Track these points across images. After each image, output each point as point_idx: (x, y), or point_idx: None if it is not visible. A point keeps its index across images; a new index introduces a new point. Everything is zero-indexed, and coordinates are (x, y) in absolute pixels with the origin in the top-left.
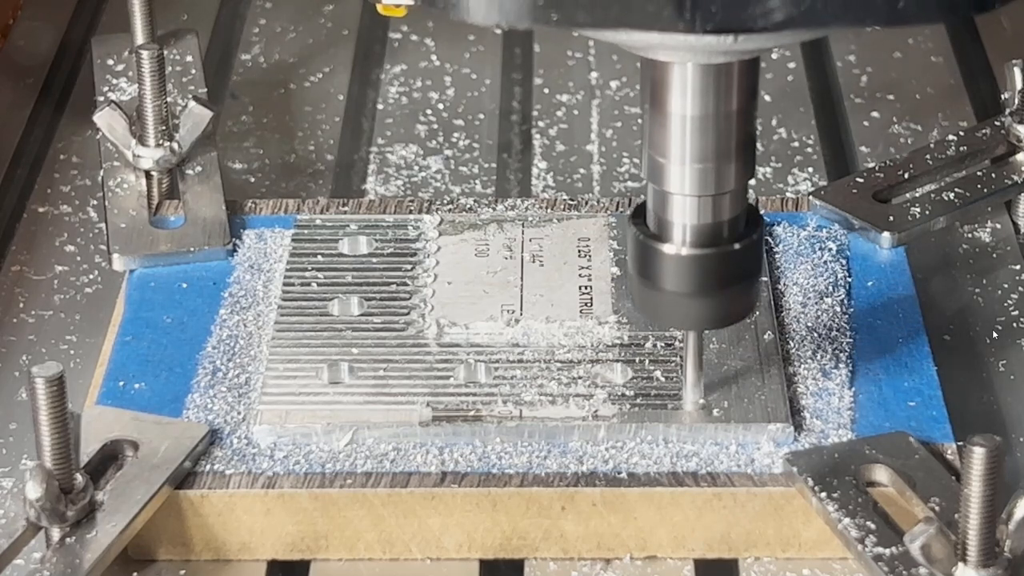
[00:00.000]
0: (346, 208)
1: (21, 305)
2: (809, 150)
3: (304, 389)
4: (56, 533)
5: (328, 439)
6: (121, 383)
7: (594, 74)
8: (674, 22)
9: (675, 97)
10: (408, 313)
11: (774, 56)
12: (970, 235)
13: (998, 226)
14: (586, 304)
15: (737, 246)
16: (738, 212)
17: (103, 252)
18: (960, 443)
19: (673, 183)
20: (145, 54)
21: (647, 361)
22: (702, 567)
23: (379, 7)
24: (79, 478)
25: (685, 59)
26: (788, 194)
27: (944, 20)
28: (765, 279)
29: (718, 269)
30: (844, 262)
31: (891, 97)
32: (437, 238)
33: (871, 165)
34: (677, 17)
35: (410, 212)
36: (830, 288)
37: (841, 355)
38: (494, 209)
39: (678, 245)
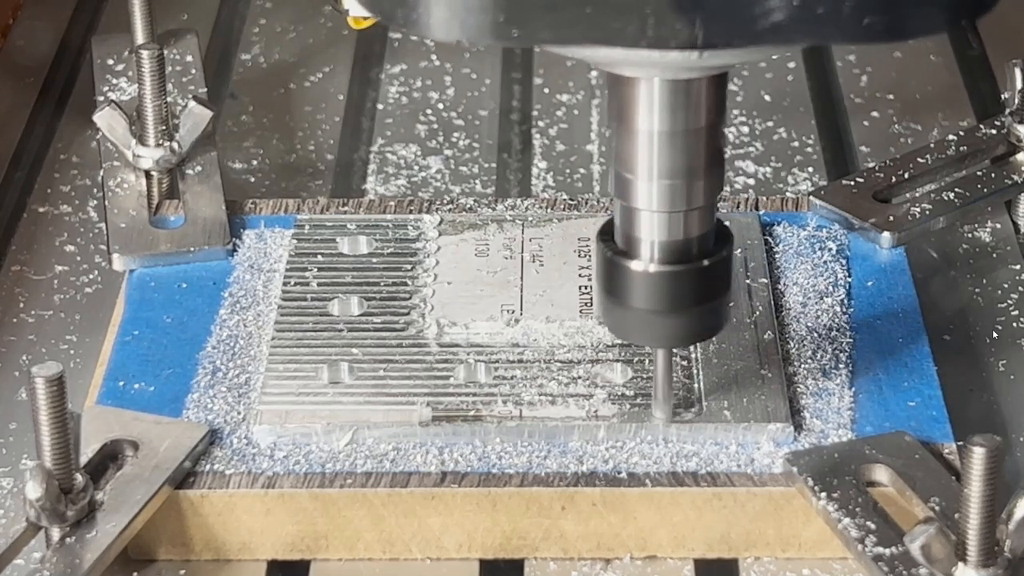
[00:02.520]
0: (346, 208)
1: (21, 305)
2: (809, 150)
3: (304, 389)
4: (56, 533)
5: (328, 439)
6: (121, 383)
7: (594, 74)
8: (638, 38)
9: (642, 113)
10: (408, 313)
11: (774, 56)
12: (970, 235)
13: (998, 226)
14: (586, 304)
15: (706, 263)
16: (707, 229)
17: (103, 252)
18: (960, 443)
19: (641, 199)
20: (145, 54)
21: (647, 361)
22: (702, 567)
23: (348, 19)
24: (79, 478)
25: (651, 75)
26: (788, 194)
27: (906, 38)
28: (764, 280)
29: (687, 286)
30: (844, 262)
31: (891, 97)
32: (437, 238)
33: (871, 165)
34: (640, 33)
35: (410, 212)
36: (830, 288)
37: (841, 355)
38: (494, 209)
39: (646, 262)
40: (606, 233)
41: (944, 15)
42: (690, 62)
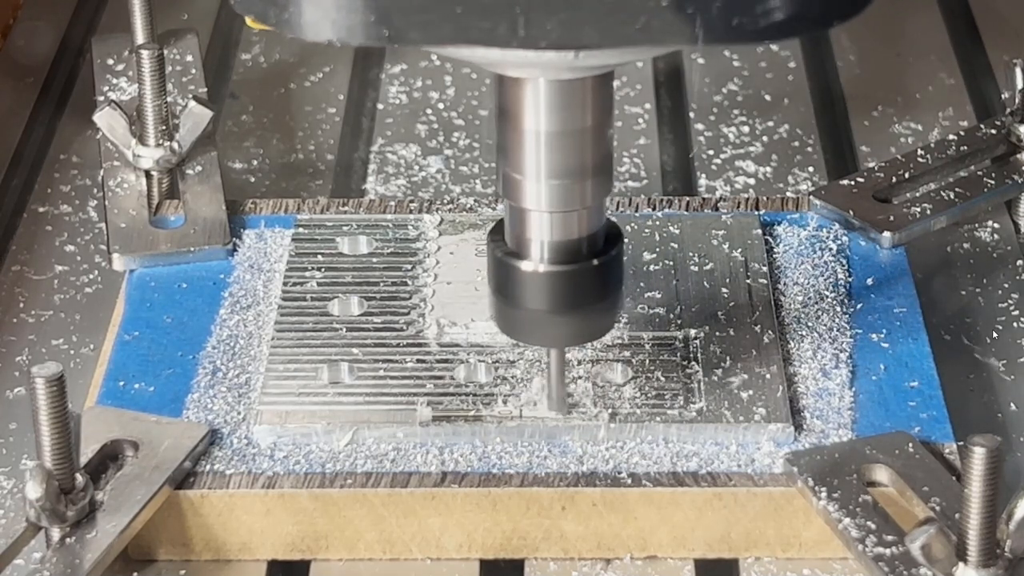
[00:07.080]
0: (346, 208)
1: (21, 305)
2: (809, 150)
3: (304, 389)
4: (56, 533)
5: (328, 439)
6: (121, 383)
7: None
8: (508, 39)
9: (527, 113)
10: (408, 313)
11: (774, 55)
12: (970, 235)
13: (998, 226)
14: None
15: (596, 262)
16: (596, 229)
17: (103, 252)
18: (960, 443)
19: (529, 200)
20: (145, 54)
21: (647, 361)
22: (702, 567)
23: (247, 20)
24: (79, 478)
25: (534, 75)
26: (788, 194)
27: (774, 40)
28: (764, 280)
29: (577, 286)
30: (844, 262)
31: (891, 97)
32: (437, 238)
33: (871, 165)
34: (512, 34)
35: (410, 212)
36: (830, 288)
37: (841, 355)
38: (494, 209)
39: (536, 262)
40: (497, 233)
41: (814, 18)
42: (568, 62)
